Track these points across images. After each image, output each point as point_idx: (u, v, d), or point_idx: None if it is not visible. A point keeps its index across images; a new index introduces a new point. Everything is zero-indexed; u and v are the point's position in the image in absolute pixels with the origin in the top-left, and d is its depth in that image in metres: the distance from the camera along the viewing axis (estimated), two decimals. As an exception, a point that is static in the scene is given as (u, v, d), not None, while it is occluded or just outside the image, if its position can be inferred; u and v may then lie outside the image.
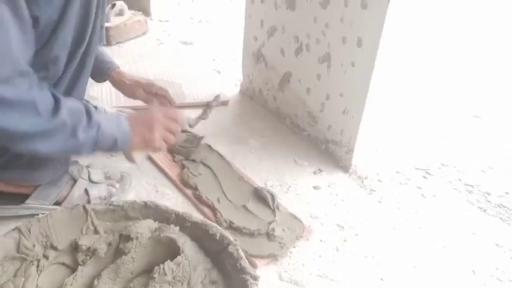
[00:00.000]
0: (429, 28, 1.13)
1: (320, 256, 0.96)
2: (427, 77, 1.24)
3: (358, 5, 1.09)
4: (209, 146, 1.28)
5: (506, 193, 1.30)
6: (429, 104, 1.33)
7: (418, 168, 1.36)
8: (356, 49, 1.13)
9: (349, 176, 1.26)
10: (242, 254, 0.77)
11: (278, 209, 1.05)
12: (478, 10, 1.22)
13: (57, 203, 1.00)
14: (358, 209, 1.13)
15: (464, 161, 1.43)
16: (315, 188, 1.19)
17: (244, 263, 0.75)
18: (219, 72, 1.90)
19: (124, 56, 1.91)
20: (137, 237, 0.78)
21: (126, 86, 1.22)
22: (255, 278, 0.72)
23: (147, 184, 1.14)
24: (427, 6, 1.08)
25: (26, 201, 0.97)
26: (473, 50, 1.29)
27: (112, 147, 0.84)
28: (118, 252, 0.80)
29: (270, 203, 1.06)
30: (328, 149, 1.34)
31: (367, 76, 1.11)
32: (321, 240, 1.01)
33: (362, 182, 1.25)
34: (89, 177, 1.05)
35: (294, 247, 0.97)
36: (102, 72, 1.20)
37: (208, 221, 0.83)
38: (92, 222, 0.84)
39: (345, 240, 1.02)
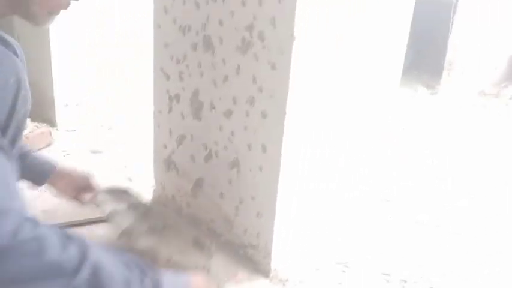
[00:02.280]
0: (329, 124, 1.23)
1: None
2: (335, 169, 1.31)
3: (259, 114, 1.16)
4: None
5: (421, 278, 1.35)
6: (340, 193, 1.39)
7: (337, 263, 1.38)
8: (262, 154, 1.17)
9: (270, 280, 1.23)
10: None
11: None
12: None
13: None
14: (282, 318, 1.08)
15: (380, 248, 1.48)
16: (235, 300, 1.13)
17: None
18: (131, 180, 1.84)
19: (25, 171, 1.78)
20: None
21: (73, 179, 1.25)
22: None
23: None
24: (324, 115, 1.18)
25: None
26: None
27: None
28: None
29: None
30: (246, 254, 1.31)
31: (275, 180, 1.15)
32: None
33: (283, 285, 1.23)
34: None
35: None
36: (44, 171, 1.20)
37: None
38: None
39: None
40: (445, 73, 4.15)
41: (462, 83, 4.03)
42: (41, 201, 1.51)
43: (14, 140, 0.87)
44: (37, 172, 1.20)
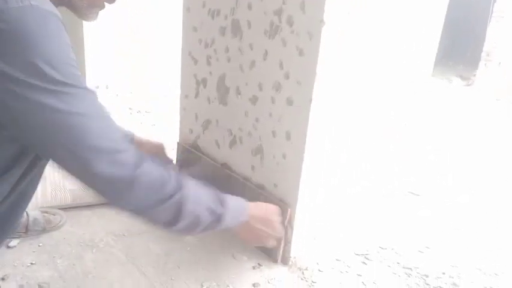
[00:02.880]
0: (355, 114, 1.20)
1: None
2: (359, 160, 1.29)
3: (284, 101, 1.14)
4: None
5: (443, 273, 1.31)
6: (364, 185, 1.37)
7: (357, 254, 1.36)
8: (286, 142, 1.16)
9: (289, 268, 1.23)
10: None
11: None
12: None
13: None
14: (300, 305, 1.09)
15: (402, 242, 1.45)
16: (254, 285, 1.14)
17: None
18: (157, 163, 1.87)
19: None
20: None
21: (149, 147, 1.32)
22: None
23: (69, 295, 1.03)
24: (350, 104, 1.16)
25: None
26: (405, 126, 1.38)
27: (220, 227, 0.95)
28: None
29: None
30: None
31: (298, 168, 1.14)
32: None
33: (302, 273, 1.22)
34: None
35: None
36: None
37: None
38: None
39: None
40: (481, 64, 3.99)
41: (499, 75, 3.86)
42: (69, 181, 1.56)
43: None
44: None
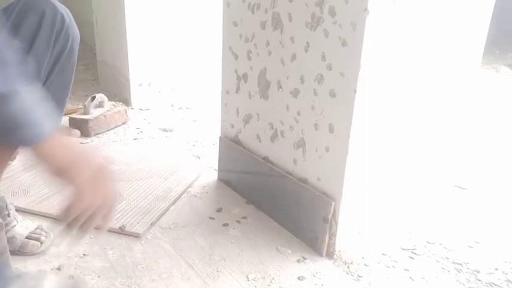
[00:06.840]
0: (400, 105, 1.17)
1: None
2: (404, 153, 1.26)
3: (327, 93, 1.13)
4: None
5: (496, 269, 1.26)
6: (409, 179, 1.34)
7: (404, 249, 1.33)
8: (329, 135, 1.15)
9: (334, 262, 1.22)
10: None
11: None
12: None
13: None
14: (346, 299, 1.07)
15: (450, 237, 1.40)
16: (299, 278, 1.14)
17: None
18: (199, 158, 1.91)
19: (102, 148, 1.92)
20: None
21: None
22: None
23: None
24: (395, 96, 1.13)
25: None
26: (454, 118, 1.33)
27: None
28: None
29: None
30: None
31: (342, 161, 1.13)
32: None
33: (348, 267, 1.21)
34: None
35: None
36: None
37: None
38: None
39: (333, 338, 0.95)
40: (532, 52, 3.77)
41: (552, 63, 3.64)
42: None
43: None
44: None
